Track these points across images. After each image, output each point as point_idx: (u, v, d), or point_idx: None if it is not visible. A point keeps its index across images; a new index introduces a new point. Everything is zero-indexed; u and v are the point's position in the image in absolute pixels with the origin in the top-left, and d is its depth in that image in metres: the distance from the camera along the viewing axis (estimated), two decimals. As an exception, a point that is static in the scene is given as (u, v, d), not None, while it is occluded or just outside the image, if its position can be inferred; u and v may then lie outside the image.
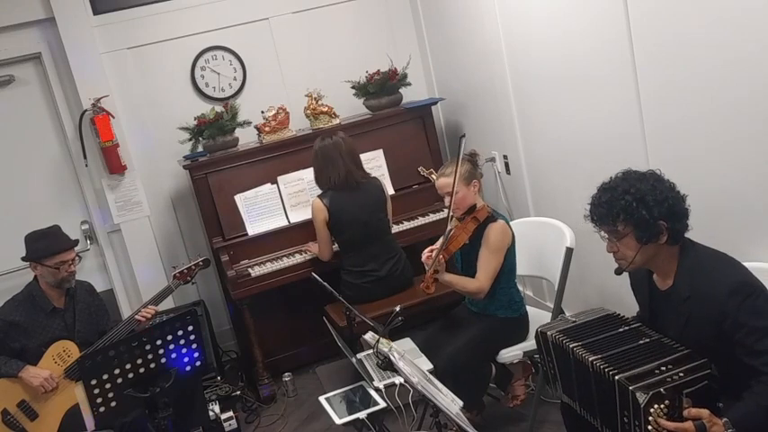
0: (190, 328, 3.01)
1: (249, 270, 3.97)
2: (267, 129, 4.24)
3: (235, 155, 4.19)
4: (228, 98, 4.56)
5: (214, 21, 4.51)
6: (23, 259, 3.20)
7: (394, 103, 4.49)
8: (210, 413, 3.70)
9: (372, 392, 2.73)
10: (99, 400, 2.80)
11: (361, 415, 2.62)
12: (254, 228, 4.09)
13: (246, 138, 4.40)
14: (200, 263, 3.59)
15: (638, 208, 2.04)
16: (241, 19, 4.57)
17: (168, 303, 4.07)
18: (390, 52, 4.68)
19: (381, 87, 4.42)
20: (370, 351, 2.58)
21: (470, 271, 3.06)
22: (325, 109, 4.35)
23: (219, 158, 4.14)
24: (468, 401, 2.68)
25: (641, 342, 2.12)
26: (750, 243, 2.40)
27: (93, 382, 2.78)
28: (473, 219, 2.99)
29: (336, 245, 3.84)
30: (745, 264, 2.07)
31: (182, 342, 2.99)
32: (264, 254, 4.08)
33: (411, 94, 4.69)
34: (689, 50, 2.46)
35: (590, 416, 2.20)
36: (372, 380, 2.77)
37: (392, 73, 4.44)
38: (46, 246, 3.14)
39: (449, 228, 2.94)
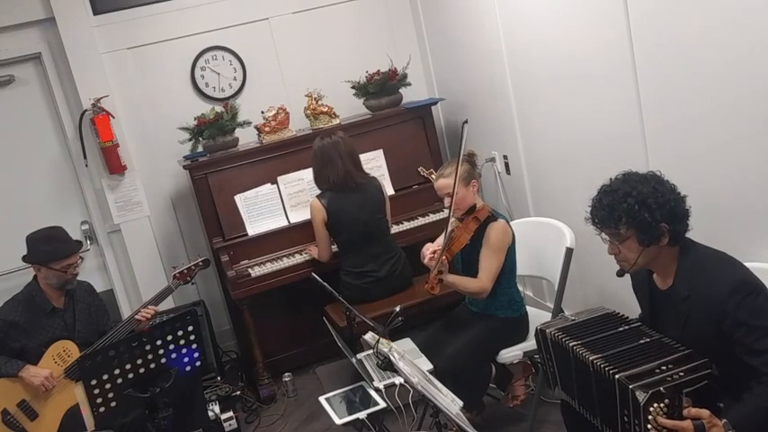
0: (190, 328, 3.01)
1: (249, 270, 3.97)
2: (267, 129, 4.24)
3: (235, 155, 4.19)
4: (228, 98, 4.56)
5: (214, 21, 4.51)
6: (28, 261, 3.19)
7: (394, 103, 4.49)
8: (210, 413, 3.70)
9: (372, 392, 2.73)
10: (99, 400, 2.80)
11: (361, 415, 2.61)
12: (254, 228, 4.09)
13: (246, 138, 4.40)
14: (200, 263, 3.59)
15: (640, 211, 2.03)
16: (241, 19, 4.57)
17: (168, 303, 4.07)
18: (390, 52, 4.69)
19: (381, 87, 4.42)
20: (370, 351, 2.58)
21: (471, 271, 3.06)
22: (325, 109, 4.35)
23: (219, 158, 4.15)
24: (468, 401, 2.69)
25: (641, 342, 2.12)
26: (750, 243, 2.40)
27: (93, 382, 2.78)
28: (474, 219, 2.99)
29: (335, 245, 3.84)
30: (746, 264, 2.07)
31: (182, 342, 2.99)
32: (264, 254, 4.07)
33: (411, 94, 4.69)
34: (689, 50, 2.46)
35: (590, 415, 2.20)
36: (372, 380, 2.77)
37: (392, 73, 4.44)
38: (54, 250, 3.14)
39: (450, 228, 2.94)
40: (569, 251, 3.01)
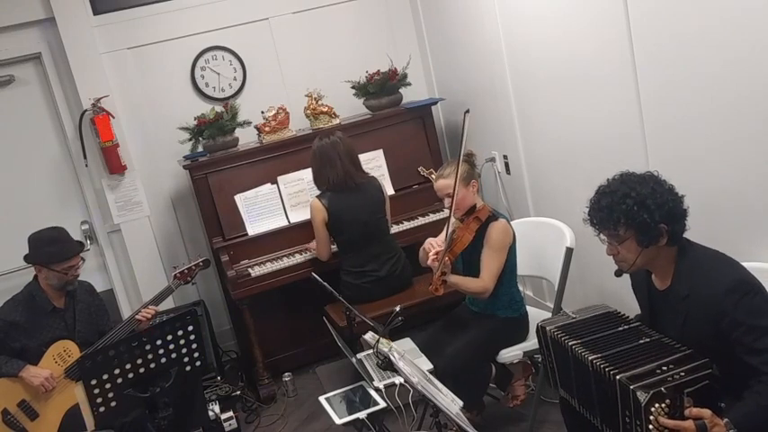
0: (190, 328, 3.01)
1: (249, 270, 3.97)
2: (267, 129, 4.24)
3: (235, 155, 4.19)
4: (228, 98, 4.56)
5: (214, 21, 4.51)
6: (29, 261, 3.19)
7: (394, 103, 4.49)
8: (210, 413, 3.70)
9: (372, 392, 2.73)
10: (99, 400, 2.80)
11: (361, 415, 2.61)
12: (254, 228, 4.09)
13: (246, 138, 4.40)
14: (201, 263, 3.59)
15: (639, 212, 2.03)
16: (241, 19, 4.56)
17: (168, 303, 4.07)
18: (390, 52, 4.69)
19: (381, 87, 4.42)
20: (370, 351, 2.58)
21: (472, 271, 3.06)
22: (326, 109, 4.35)
23: (219, 158, 4.15)
24: (468, 401, 2.69)
25: (641, 342, 2.12)
26: (750, 243, 2.40)
27: (94, 382, 2.79)
28: (475, 219, 2.99)
29: (335, 245, 3.84)
30: (745, 264, 2.07)
31: (182, 342, 3.00)
32: (264, 254, 4.07)
33: (411, 94, 4.69)
34: (689, 50, 2.46)
35: (590, 414, 2.20)
36: (372, 380, 2.77)
37: (392, 73, 4.44)
38: (56, 251, 3.13)
39: (451, 229, 2.94)
40: (569, 251, 3.01)
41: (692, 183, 2.32)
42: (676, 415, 1.90)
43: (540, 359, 3.30)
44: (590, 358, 2.09)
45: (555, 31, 3.26)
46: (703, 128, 2.50)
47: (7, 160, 4.34)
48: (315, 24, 4.70)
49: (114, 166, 4.24)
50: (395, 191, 4.27)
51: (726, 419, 1.86)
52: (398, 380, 2.62)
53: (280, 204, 4.16)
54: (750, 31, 2.20)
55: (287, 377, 4.07)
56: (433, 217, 4.20)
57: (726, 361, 1.96)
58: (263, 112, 4.26)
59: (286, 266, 3.97)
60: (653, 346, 2.09)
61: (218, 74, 4.58)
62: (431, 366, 2.92)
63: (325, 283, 3.09)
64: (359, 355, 2.94)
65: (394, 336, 2.91)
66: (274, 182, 4.17)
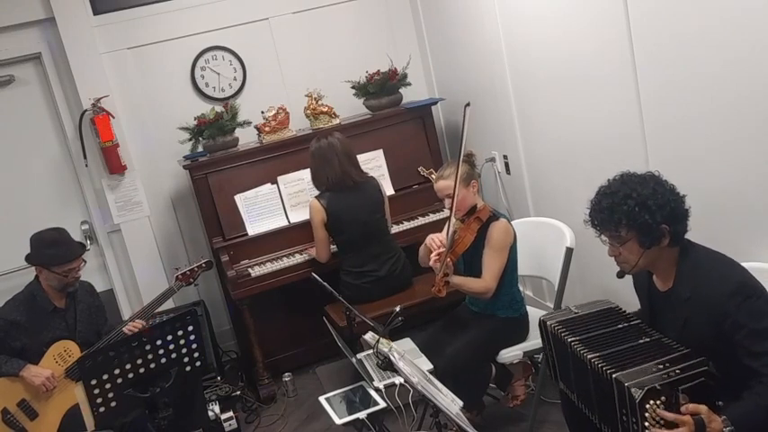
0: (190, 328, 3.01)
1: (249, 270, 3.97)
2: (267, 129, 4.24)
3: (235, 155, 4.19)
4: (228, 98, 4.56)
5: (214, 21, 4.51)
6: (30, 262, 3.19)
7: (394, 103, 4.49)
8: (210, 413, 3.70)
9: (372, 392, 2.73)
10: (99, 400, 2.80)
11: (361, 415, 2.62)
12: (254, 228, 4.09)
13: (246, 138, 4.40)
14: (203, 264, 3.59)
15: (640, 213, 2.02)
16: (241, 19, 4.57)
17: (168, 303, 4.05)
18: (390, 52, 4.69)
19: (381, 87, 4.42)
20: (370, 351, 2.58)
21: (473, 271, 3.06)
22: (325, 109, 4.35)
23: (219, 158, 4.15)
24: (468, 401, 2.69)
25: (641, 341, 2.12)
26: (750, 243, 2.40)
27: (94, 382, 2.79)
28: (476, 219, 2.99)
29: (335, 245, 3.84)
30: (746, 264, 2.07)
31: (182, 342, 3.00)
32: (264, 254, 4.08)
33: (411, 94, 4.69)
34: (689, 50, 2.46)
35: (588, 411, 2.20)
36: (372, 380, 2.77)
37: (392, 73, 4.44)
38: (57, 253, 3.13)
39: (452, 230, 2.94)
40: (569, 251, 3.01)
41: (692, 183, 2.31)
42: (672, 412, 1.90)
43: (539, 360, 3.31)
44: (589, 357, 2.09)
45: (555, 31, 3.26)
46: (703, 128, 2.50)
47: (7, 160, 4.34)
48: (315, 24, 4.70)
49: (114, 166, 4.24)
50: (395, 191, 4.27)
51: (723, 417, 1.86)
52: (398, 380, 2.62)
53: (280, 204, 4.16)
54: (750, 31, 2.20)
55: (287, 377, 4.07)
56: (432, 217, 4.20)
57: (725, 363, 1.96)
58: (263, 112, 4.26)
59: (286, 266, 3.97)
60: (652, 345, 2.09)
61: (218, 74, 4.58)
62: (431, 366, 2.92)
63: (325, 284, 3.09)
64: (359, 356, 2.94)
65: (394, 336, 2.91)
66: (274, 182, 4.17)
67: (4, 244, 4.15)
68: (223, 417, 3.70)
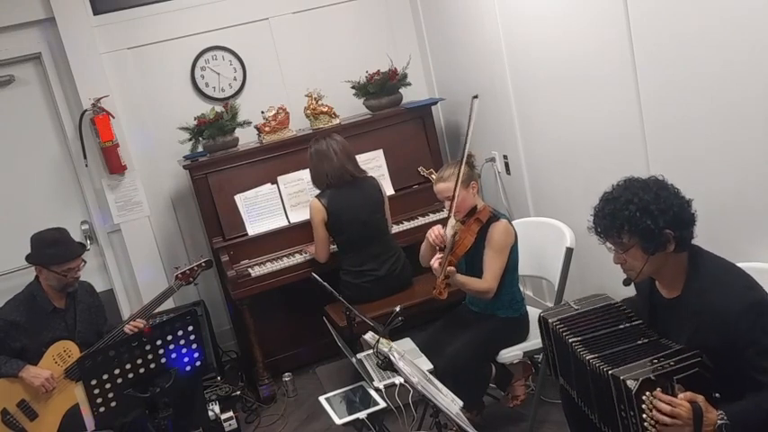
0: (190, 328, 3.01)
1: (249, 270, 3.97)
2: (267, 129, 4.24)
3: (235, 155, 4.19)
4: (228, 98, 4.55)
5: (214, 21, 4.51)
6: (30, 262, 3.19)
7: (394, 103, 4.49)
8: (210, 413, 3.70)
9: (372, 392, 2.73)
10: (99, 400, 2.80)
11: (361, 415, 2.61)
12: (254, 228, 4.09)
13: (246, 138, 4.40)
14: (203, 264, 3.59)
15: (642, 218, 1.99)
16: (241, 19, 4.56)
17: (168, 303, 4.06)
18: (390, 52, 4.68)
19: (381, 87, 4.42)
20: (370, 351, 2.58)
21: (474, 272, 3.06)
22: (325, 109, 4.35)
23: (219, 158, 4.14)
24: (468, 401, 2.69)
25: (639, 342, 2.11)
26: (750, 243, 2.40)
27: (94, 382, 2.79)
28: (476, 220, 2.99)
29: (335, 245, 3.84)
30: (746, 264, 2.07)
31: (182, 342, 3.00)
32: (264, 254, 4.07)
33: (411, 94, 4.69)
34: (689, 50, 2.46)
35: (588, 409, 2.20)
36: (372, 380, 2.77)
37: (392, 73, 4.44)
38: (57, 253, 3.13)
39: (452, 231, 2.94)
40: (569, 251, 3.01)
41: (692, 183, 2.31)
42: None
43: (539, 360, 3.31)
44: (588, 358, 2.09)
45: (555, 31, 3.26)
46: (703, 128, 2.50)
47: (7, 160, 4.34)
48: (315, 24, 4.69)
49: (114, 166, 4.24)
50: (395, 191, 4.26)
51: (720, 411, 1.85)
52: (398, 380, 2.62)
53: (280, 204, 4.16)
54: (750, 31, 2.20)
55: (287, 377, 4.07)
56: (432, 217, 4.20)
57: (728, 375, 1.94)
58: (263, 112, 4.26)
59: (286, 266, 3.97)
60: (650, 346, 2.08)
61: (218, 74, 4.58)
62: (431, 366, 2.92)
63: (325, 283, 3.09)
64: (359, 355, 2.93)
65: (394, 336, 2.90)
66: (274, 182, 4.17)
67: (4, 244, 4.15)
68: (223, 417, 3.70)
